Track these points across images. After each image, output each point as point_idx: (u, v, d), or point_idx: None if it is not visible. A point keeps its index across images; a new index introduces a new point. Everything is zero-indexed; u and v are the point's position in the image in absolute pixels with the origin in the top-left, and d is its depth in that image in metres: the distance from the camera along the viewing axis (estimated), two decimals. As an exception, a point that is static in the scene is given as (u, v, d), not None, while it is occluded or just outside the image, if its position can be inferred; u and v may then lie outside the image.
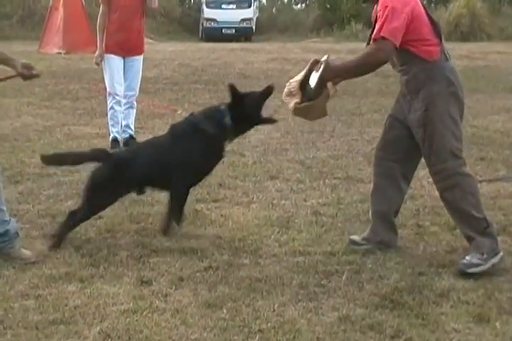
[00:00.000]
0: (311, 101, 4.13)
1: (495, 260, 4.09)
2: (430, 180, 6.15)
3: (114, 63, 7.47)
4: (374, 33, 4.00)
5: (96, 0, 12.83)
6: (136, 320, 3.48)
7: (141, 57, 7.65)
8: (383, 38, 3.94)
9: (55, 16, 19.02)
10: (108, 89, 7.57)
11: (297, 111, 4.23)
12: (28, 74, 4.25)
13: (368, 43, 4.21)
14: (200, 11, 28.03)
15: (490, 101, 10.35)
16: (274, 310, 3.60)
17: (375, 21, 4.07)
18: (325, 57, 4.11)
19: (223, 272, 4.09)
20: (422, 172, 6.40)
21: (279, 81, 13.47)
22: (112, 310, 3.59)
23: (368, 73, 4.19)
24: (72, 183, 5.98)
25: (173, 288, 3.87)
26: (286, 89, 4.21)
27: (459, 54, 18.43)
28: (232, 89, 4.65)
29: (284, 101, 4.27)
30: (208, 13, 26.87)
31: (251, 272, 4.11)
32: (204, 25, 26.89)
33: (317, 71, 4.09)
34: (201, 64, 15.90)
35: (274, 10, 32.53)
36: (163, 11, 27.13)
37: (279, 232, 4.80)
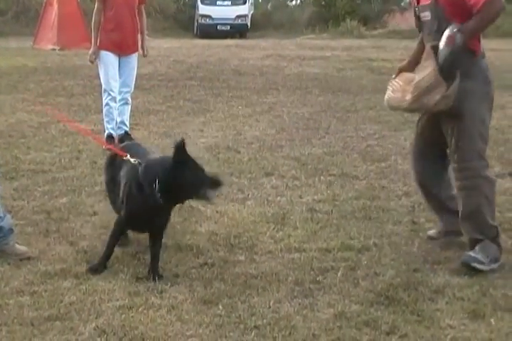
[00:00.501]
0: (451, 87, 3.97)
1: (495, 266, 4.09)
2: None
3: (109, 60, 7.45)
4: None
5: (91, -4, 12.82)
6: (132, 316, 3.48)
7: (136, 55, 7.64)
8: None
9: (50, 12, 18.97)
10: (103, 86, 7.56)
11: (444, 102, 4.01)
12: None
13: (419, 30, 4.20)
14: (195, 7, 27.99)
15: (485, 98, 10.37)
16: (269, 307, 3.60)
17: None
18: (453, 29, 3.91)
19: (219, 268, 4.09)
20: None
21: (275, 77, 13.57)
22: (107, 307, 3.59)
23: (492, 23, 4.03)
24: (67, 180, 5.97)
25: (169, 284, 3.87)
26: (421, 87, 4.01)
27: (453, 51, 18.47)
28: (179, 149, 3.78)
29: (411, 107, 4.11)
30: (203, 9, 26.85)
31: (246, 269, 4.11)
32: (199, 21, 26.86)
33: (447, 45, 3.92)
34: (196, 60, 15.89)
35: (269, 6, 32.54)
36: (158, 7, 27.12)
37: (274, 229, 4.80)
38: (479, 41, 4.11)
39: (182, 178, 3.79)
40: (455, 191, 4.32)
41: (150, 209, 3.93)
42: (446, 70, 3.96)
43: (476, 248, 4.11)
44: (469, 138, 4.09)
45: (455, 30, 3.91)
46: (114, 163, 4.34)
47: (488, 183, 4.15)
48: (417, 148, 4.51)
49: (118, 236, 4.16)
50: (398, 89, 4.20)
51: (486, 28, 4.07)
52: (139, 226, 4.16)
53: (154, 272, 3.99)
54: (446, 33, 3.94)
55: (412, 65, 4.30)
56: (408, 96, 4.09)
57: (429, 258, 4.28)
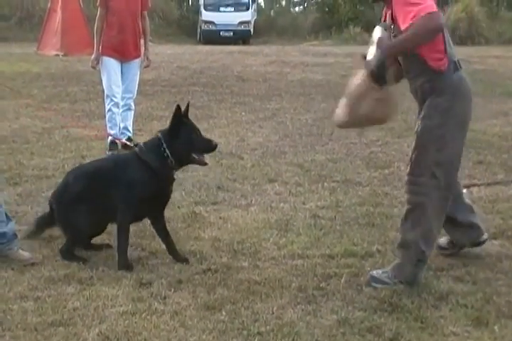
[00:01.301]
0: (387, 91, 3.88)
1: (401, 286, 3.93)
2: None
3: (112, 65, 7.47)
4: (411, 15, 3.69)
5: (94, 2, 12.81)
6: (135, 322, 3.48)
7: (138, 60, 7.66)
8: (428, 12, 3.65)
9: (54, 18, 19.03)
10: (106, 92, 7.58)
11: (379, 106, 3.91)
12: None
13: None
14: (198, 13, 28.05)
15: (488, 105, 10.35)
16: (273, 313, 3.60)
17: (385, 19, 3.97)
18: (377, 34, 3.87)
19: (222, 274, 4.09)
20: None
21: (278, 84, 13.58)
22: (110, 312, 3.59)
23: (422, 44, 3.83)
24: (71, 185, 5.97)
25: (172, 290, 3.87)
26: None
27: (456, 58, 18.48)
28: (176, 116, 4.23)
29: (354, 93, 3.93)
30: (206, 15, 26.90)
31: (250, 275, 4.11)
32: (202, 27, 26.91)
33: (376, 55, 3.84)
34: (199, 66, 15.92)
35: (272, 13, 32.57)
36: (161, 13, 27.18)
37: (277, 235, 4.80)
38: (445, 57, 3.93)
39: (183, 135, 4.20)
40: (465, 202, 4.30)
41: (165, 179, 4.28)
42: (378, 74, 3.84)
43: (392, 265, 4.04)
44: (423, 152, 3.94)
45: (381, 35, 3.85)
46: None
47: (432, 203, 3.92)
48: None
49: (128, 228, 4.29)
50: (340, 105, 4.08)
51: (416, 45, 3.85)
52: (148, 208, 4.33)
53: (177, 257, 4.28)
54: (377, 35, 3.87)
55: None
56: (345, 110, 4.00)
57: (432, 265, 4.27)
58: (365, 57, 3.95)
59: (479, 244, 4.42)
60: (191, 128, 4.28)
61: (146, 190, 4.22)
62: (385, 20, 4.12)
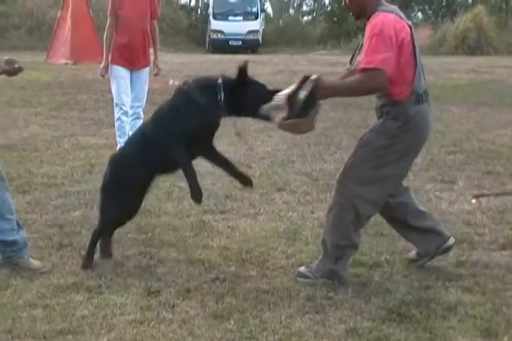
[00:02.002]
0: (299, 119, 3.94)
1: (324, 281, 4.09)
2: (437, 193, 6.21)
3: (121, 74, 7.50)
4: (364, 60, 3.83)
5: (104, 11, 12.86)
6: (144, 331, 3.48)
7: (147, 69, 7.69)
8: (376, 68, 3.76)
9: (63, 27, 19.15)
10: (115, 100, 7.61)
11: (283, 127, 4.07)
12: (11, 69, 4.18)
13: (351, 62, 4.21)
14: (207, 22, 28.19)
15: (497, 115, 10.36)
16: (281, 322, 3.60)
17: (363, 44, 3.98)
18: (314, 76, 3.89)
19: (230, 283, 4.09)
20: (429, 186, 6.44)
21: (286, 93, 13.49)
22: (119, 321, 3.59)
23: (358, 96, 4.14)
24: (80, 193, 6.00)
25: (181, 298, 3.87)
26: (272, 103, 4.00)
27: (465, 68, 18.49)
28: (242, 70, 4.24)
29: (269, 115, 4.04)
30: (214, 24, 27.04)
31: (258, 284, 4.11)
32: (211, 36, 27.05)
33: (306, 88, 3.87)
34: (208, 75, 15.96)
35: (281, 22, 32.67)
36: (170, 22, 27.32)
37: (286, 244, 4.80)
38: (409, 88, 3.94)
39: (246, 96, 4.15)
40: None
41: (213, 118, 4.25)
42: (305, 106, 3.89)
43: (318, 259, 4.19)
44: (357, 164, 4.05)
45: (317, 78, 3.86)
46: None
47: (352, 208, 4.04)
48: None
49: (191, 165, 4.20)
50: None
51: (350, 96, 4.06)
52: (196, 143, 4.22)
53: (242, 179, 4.35)
54: (313, 76, 3.89)
55: None
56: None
57: (441, 275, 4.27)
58: (306, 78, 3.90)
59: (447, 249, 4.38)
60: (257, 93, 4.17)
61: (190, 122, 4.14)
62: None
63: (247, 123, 9.87)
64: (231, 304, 3.80)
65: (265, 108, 4.02)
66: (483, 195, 6.15)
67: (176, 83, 4.44)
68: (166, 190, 6.19)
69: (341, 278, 4.10)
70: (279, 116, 3.94)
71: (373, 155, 4.03)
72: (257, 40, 27.19)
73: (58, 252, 4.58)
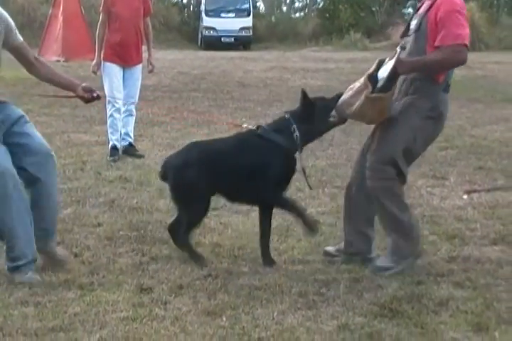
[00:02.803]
0: (383, 93, 4.01)
1: (405, 264, 4.19)
2: (429, 189, 6.22)
3: (113, 71, 7.49)
4: (450, 36, 3.92)
5: (95, 8, 12.84)
6: (136, 328, 3.48)
7: (140, 66, 7.68)
8: (464, 44, 3.94)
9: (55, 24, 19.08)
10: (107, 97, 7.59)
11: (367, 103, 4.05)
12: (89, 98, 4.26)
13: (403, 36, 4.23)
14: (199, 19, 28.14)
15: (488, 110, 10.39)
16: (273, 318, 3.60)
17: (426, 15, 4.02)
18: (398, 50, 4.04)
19: (223, 280, 4.09)
20: (420, 182, 6.46)
21: (278, 89, 13.61)
22: (111, 318, 3.59)
23: (442, 71, 4.09)
24: (72, 191, 5.99)
25: (173, 295, 3.87)
26: (345, 97, 4.15)
27: (457, 64, 18.48)
28: (305, 94, 4.39)
29: (347, 103, 4.13)
30: (207, 21, 26.99)
31: (250, 280, 4.11)
32: (203, 33, 26.99)
33: (388, 65, 4.01)
34: (200, 72, 15.96)
35: (273, 18, 32.63)
36: (162, 19, 27.25)
37: (278, 241, 4.80)
38: (446, 75, 4.11)
39: (315, 116, 4.28)
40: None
41: (294, 161, 4.40)
42: (387, 80, 3.99)
43: (387, 251, 4.24)
44: (391, 144, 4.11)
45: (399, 55, 3.97)
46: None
47: (398, 184, 4.19)
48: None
49: (283, 198, 4.40)
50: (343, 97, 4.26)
51: (433, 71, 4.06)
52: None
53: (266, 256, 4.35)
54: (397, 55, 4.01)
55: None
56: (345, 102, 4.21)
57: (432, 270, 4.28)
58: (381, 62, 4.08)
59: (368, 259, 4.41)
60: (324, 107, 4.32)
61: (279, 169, 4.31)
62: (417, 12, 4.20)
63: (240, 119, 9.90)
64: (223, 300, 3.81)
65: (335, 111, 4.18)
66: (474, 191, 6.17)
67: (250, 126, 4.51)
68: (158, 187, 6.18)
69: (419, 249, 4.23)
70: (363, 94, 4.02)
71: (406, 137, 4.10)
72: (250, 36, 27.16)
73: (50, 249, 4.57)
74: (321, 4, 32.20)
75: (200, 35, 27.47)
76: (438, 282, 4.10)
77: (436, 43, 3.97)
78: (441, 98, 4.16)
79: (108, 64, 7.48)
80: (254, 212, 5.43)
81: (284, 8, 35.00)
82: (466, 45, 3.95)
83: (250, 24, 27.30)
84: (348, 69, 16.75)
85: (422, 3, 4.20)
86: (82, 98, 4.30)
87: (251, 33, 27.23)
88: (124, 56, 7.49)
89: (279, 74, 15.60)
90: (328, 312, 3.69)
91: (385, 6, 29.69)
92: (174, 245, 4.50)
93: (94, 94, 4.28)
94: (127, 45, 7.48)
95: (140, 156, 7.52)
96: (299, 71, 16.29)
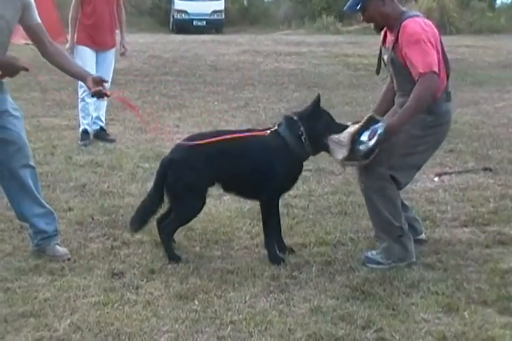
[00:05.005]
0: (358, 162, 4.02)
1: (401, 264, 4.10)
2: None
3: (86, 55, 7.37)
4: (421, 66, 3.82)
5: (65, -10, 12.60)
6: (107, 313, 3.46)
7: (113, 50, 7.59)
8: (433, 72, 3.83)
9: (23, 6, 18.78)
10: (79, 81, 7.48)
11: (342, 164, 4.20)
12: (97, 91, 4.22)
13: (378, 72, 4.28)
14: (170, 2, 27.85)
15: (459, 94, 10.41)
16: (245, 302, 3.61)
17: (393, 49, 4.00)
18: (381, 124, 3.91)
19: (195, 264, 4.09)
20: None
21: (250, 73, 13.54)
22: (82, 303, 3.57)
23: (427, 106, 3.96)
24: (42, 175, 5.89)
25: (145, 280, 3.86)
26: (335, 137, 4.06)
27: (428, 47, 18.54)
28: (317, 100, 4.29)
29: (330, 148, 4.10)
30: (178, 4, 26.70)
31: (222, 264, 4.11)
32: (175, 16, 26.71)
33: (375, 138, 3.89)
34: (172, 56, 15.82)
35: (245, 2, 32.43)
36: (133, 2, 26.95)
37: (250, 224, 4.80)
38: (444, 82, 4.03)
39: (322, 124, 4.20)
40: None
41: (300, 164, 4.31)
42: (370, 151, 3.94)
43: (380, 248, 4.16)
44: (389, 147, 4.01)
45: (380, 130, 3.88)
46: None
47: (392, 186, 4.11)
48: None
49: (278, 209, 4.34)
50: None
51: (417, 114, 3.94)
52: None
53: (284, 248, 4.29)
54: (373, 127, 3.92)
55: (382, 107, 4.34)
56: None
57: (404, 252, 4.30)
58: (371, 119, 3.99)
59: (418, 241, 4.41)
60: (328, 114, 4.30)
61: (287, 170, 4.24)
62: (384, 45, 4.18)
63: (212, 103, 9.84)
64: (195, 284, 3.80)
65: (330, 139, 4.10)
66: (445, 173, 6.22)
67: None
68: (130, 171, 6.15)
69: (412, 255, 4.13)
70: (341, 154, 4.02)
71: (406, 143, 4.07)
72: (222, 20, 26.95)
73: (20, 235, 4.53)
74: (293, -13, 32.05)
75: (171, 19, 27.20)
76: (409, 264, 4.13)
77: (415, 78, 3.90)
78: (444, 109, 4.11)
79: (81, 47, 7.37)
80: (226, 196, 5.44)
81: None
82: (434, 72, 3.83)
83: (222, 7, 27.08)
84: (321, 53, 16.73)
85: (385, 35, 4.15)
86: (92, 92, 4.21)
87: (223, 17, 27.01)
88: (98, 40, 7.38)
89: (251, 58, 15.52)
90: (300, 295, 3.71)
91: (357, -11, 29.61)
92: (146, 230, 4.47)
93: (109, 94, 4.27)
94: (101, 28, 7.37)
95: (111, 140, 7.45)
96: (271, 54, 16.23)
